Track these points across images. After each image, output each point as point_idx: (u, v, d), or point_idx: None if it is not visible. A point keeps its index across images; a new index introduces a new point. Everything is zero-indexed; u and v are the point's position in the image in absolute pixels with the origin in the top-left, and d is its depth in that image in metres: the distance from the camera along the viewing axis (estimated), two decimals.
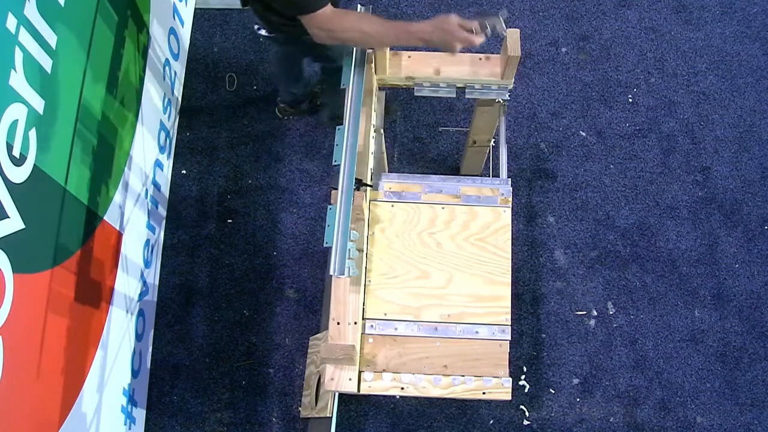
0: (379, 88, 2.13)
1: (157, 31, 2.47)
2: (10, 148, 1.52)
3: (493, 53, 2.09)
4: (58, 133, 1.76)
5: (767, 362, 2.65)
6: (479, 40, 1.74)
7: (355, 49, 1.95)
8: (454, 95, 2.10)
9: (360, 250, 1.90)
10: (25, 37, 1.56)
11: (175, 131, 2.87)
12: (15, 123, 1.54)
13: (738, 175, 2.91)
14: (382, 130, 2.18)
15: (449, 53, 1.77)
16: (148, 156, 2.48)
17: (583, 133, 2.98)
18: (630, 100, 3.03)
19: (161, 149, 2.65)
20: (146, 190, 2.48)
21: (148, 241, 2.51)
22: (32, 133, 1.61)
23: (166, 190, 2.75)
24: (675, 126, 2.99)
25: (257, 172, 2.89)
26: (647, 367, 2.64)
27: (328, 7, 1.77)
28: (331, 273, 1.68)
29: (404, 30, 1.77)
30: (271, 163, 2.91)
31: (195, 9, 3.02)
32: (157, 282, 2.65)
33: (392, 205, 1.99)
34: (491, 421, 2.55)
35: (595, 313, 2.71)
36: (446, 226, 1.97)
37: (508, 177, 2.07)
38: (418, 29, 1.75)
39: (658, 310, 2.71)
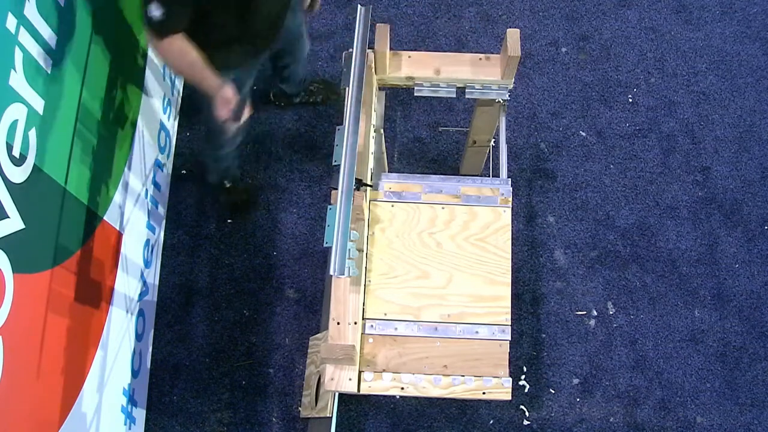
0: (379, 88, 2.13)
1: None
2: (10, 148, 1.52)
3: (493, 53, 2.09)
4: (58, 133, 1.76)
5: (767, 362, 2.65)
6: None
7: (355, 48, 1.94)
8: (454, 95, 2.10)
9: (360, 250, 1.90)
10: (25, 37, 1.56)
11: (175, 131, 2.87)
12: (15, 123, 1.54)
13: (738, 175, 2.91)
14: (382, 130, 2.18)
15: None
16: (148, 156, 2.48)
17: (583, 133, 2.98)
18: (630, 100, 3.03)
19: (161, 149, 2.65)
20: (146, 190, 2.48)
21: (148, 241, 2.51)
22: (32, 133, 1.61)
23: (166, 190, 2.75)
24: (675, 126, 2.99)
25: (257, 172, 2.89)
26: (647, 367, 2.64)
27: (176, 39, 1.73)
28: (331, 273, 1.68)
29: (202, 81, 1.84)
30: (271, 163, 2.91)
31: None
32: (157, 282, 2.65)
33: (392, 205, 1.99)
34: (491, 421, 2.55)
35: (595, 313, 2.71)
36: (446, 226, 1.97)
37: (508, 177, 2.07)
38: (209, 86, 1.83)
39: (658, 310, 2.71)
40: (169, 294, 2.69)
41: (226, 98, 1.82)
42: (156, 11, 1.63)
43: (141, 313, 2.43)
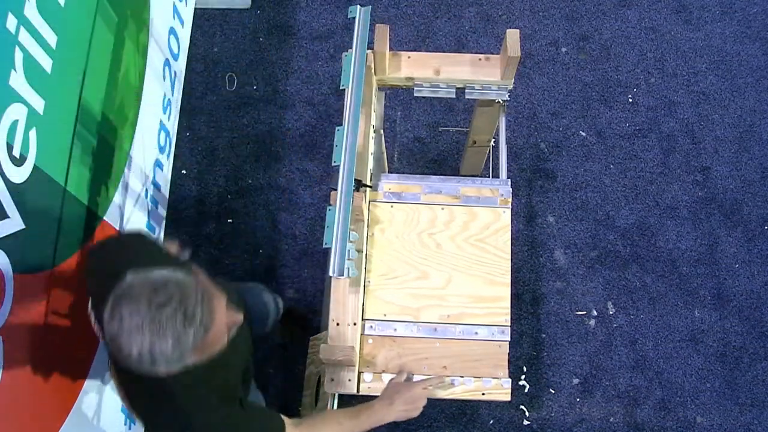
0: (379, 89, 2.13)
1: (157, 31, 2.47)
2: (10, 148, 1.52)
3: (493, 53, 2.09)
4: (58, 133, 1.76)
5: (767, 362, 2.65)
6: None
7: (354, 48, 1.94)
8: (454, 95, 2.10)
9: (359, 251, 1.90)
10: (25, 37, 1.56)
11: (175, 131, 2.87)
12: (15, 123, 1.54)
13: (738, 175, 2.91)
14: (381, 131, 2.18)
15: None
16: (148, 156, 2.48)
17: (583, 133, 2.98)
18: (630, 100, 3.03)
19: (161, 149, 2.65)
20: (146, 190, 2.48)
21: None
22: (32, 133, 1.61)
23: (166, 190, 2.75)
24: (675, 126, 2.99)
25: (257, 172, 2.90)
26: (647, 367, 2.64)
27: (291, 430, 1.57)
28: (331, 274, 1.68)
29: (375, 421, 1.65)
30: (271, 163, 2.91)
31: (195, 9, 3.02)
32: None
33: (392, 206, 1.99)
34: (491, 421, 2.56)
35: (595, 313, 2.71)
36: (446, 226, 1.97)
37: (508, 177, 2.06)
38: (386, 414, 1.64)
39: (658, 310, 2.71)
40: None
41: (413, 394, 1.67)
42: None
43: None
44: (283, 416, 1.55)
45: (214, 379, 1.45)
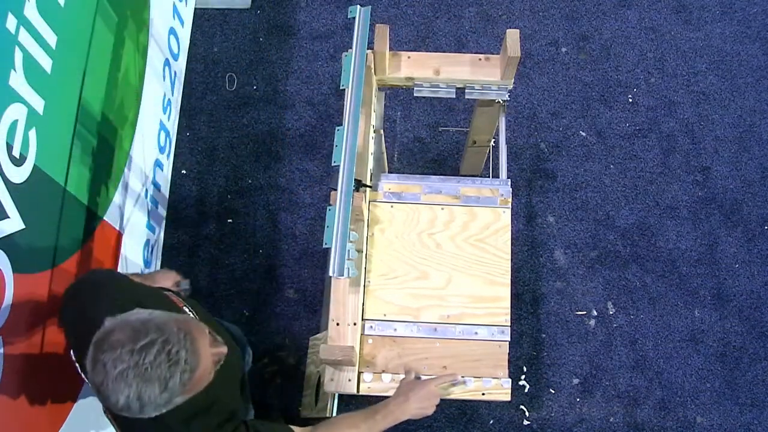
0: (379, 89, 2.13)
1: (157, 31, 2.47)
2: (10, 148, 1.52)
3: (493, 53, 2.09)
4: (58, 133, 1.76)
5: (767, 362, 2.65)
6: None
7: (354, 48, 1.94)
8: (454, 95, 2.10)
9: (359, 251, 1.90)
10: (25, 37, 1.56)
11: (175, 131, 2.87)
12: (15, 123, 1.54)
13: (738, 175, 2.91)
14: (381, 131, 2.18)
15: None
16: (148, 156, 2.48)
17: (583, 133, 2.98)
18: (630, 100, 3.03)
19: (161, 149, 2.65)
20: (146, 190, 2.48)
21: (148, 241, 2.51)
22: (32, 133, 1.61)
23: (166, 190, 2.75)
24: (675, 126, 2.99)
25: (257, 172, 2.90)
26: (647, 367, 2.64)
27: None
28: (331, 274, 1.68)
29: (392, 420, 1.65)
30: (271, 163, 2.91)
31: (195, 9, 3.02)
32: None
33: (392, 206, 1.99)
34: (491, 421, 2.55)
35: (595, 313, 2.71)
36: (446, 226, 1.97)
37: (508, 177, 2.06)
38: (402, 412, 1.64)
39: (658, 310, 2.71)
40: None
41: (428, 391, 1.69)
42: None
43: None
44: (293, 427, 1.52)
45: (213, 405, 1.42)
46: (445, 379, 1.77)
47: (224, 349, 1.31)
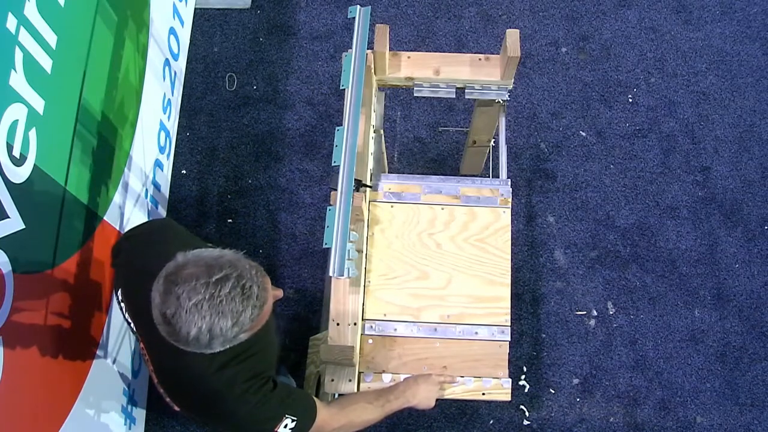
0: (379, 89, 2.13)
1: (157, 31, 2.47)
2: (10, 148, 1.52)
3: (493, 53, 2.09)
4: (58, 133, 1.76)
5: (767, 362, 2.65)
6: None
7: (354, 48, 1.94)
8: (454, 95, 2.10)
9: (359, 251, 1.90)
10: (25, 37, 1.56)
11: (175, 131, 2.87)
12: (15, 123, 1.54)
13: (738, 175, 2.91)
14: (381, 131, 2.18)
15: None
16: (148, 156, 2.48)
17: (583, 133, 2.98)
18: (630, 100, 3.03)
19: (161, 149, 2.65)
20: (146, 190, 2.48)
21: None
22: (32, 133, 1.62)
23: (166, 190, 2.75)
24: (675, 126, 2.99)
25: (257, 172, 2.90)
26: (647, 367, 2.64)
27: (324, 412, 1.55)
28: (331, 274, 1.68)
29: (403, 402, 1.71)
30: (271, 163, 2.91)
31: (195, 9, 3.02)
32: None
33: (392, 206, 1.99)
34: (491, 421, 2.56)
35: (595, 313, 2.71)
36: (446, 226, 1.97)
37: (508, 177, 2.07)
38: (412, 395, 1.71)
39: (658, 310, 2.71)
40: None
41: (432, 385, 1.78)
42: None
43: None
44: (317, 400, 1.56)
45: (250, 357, 1.43)
46: (446, 378, 1.80)
47: (281, 293, 1.34)
